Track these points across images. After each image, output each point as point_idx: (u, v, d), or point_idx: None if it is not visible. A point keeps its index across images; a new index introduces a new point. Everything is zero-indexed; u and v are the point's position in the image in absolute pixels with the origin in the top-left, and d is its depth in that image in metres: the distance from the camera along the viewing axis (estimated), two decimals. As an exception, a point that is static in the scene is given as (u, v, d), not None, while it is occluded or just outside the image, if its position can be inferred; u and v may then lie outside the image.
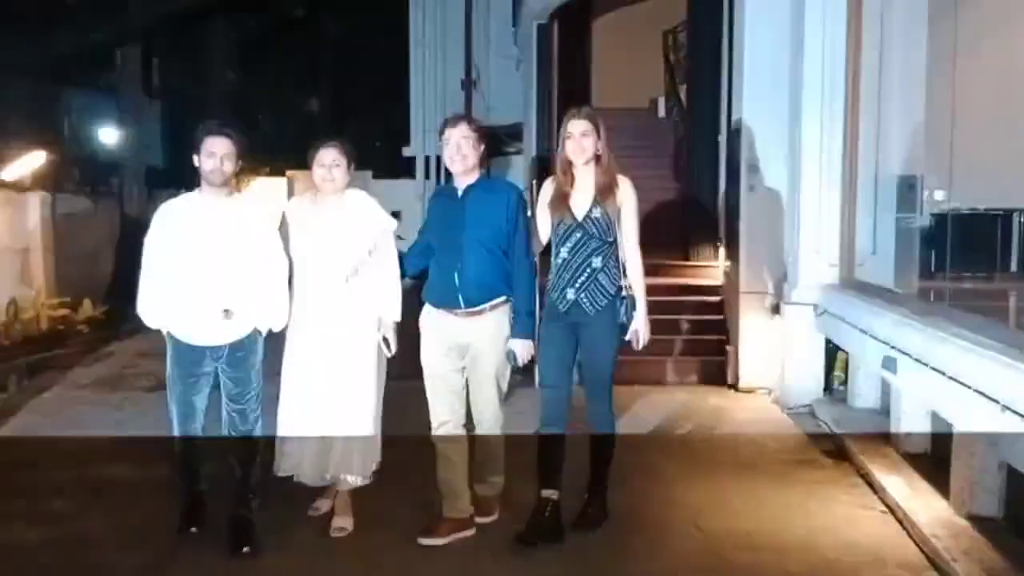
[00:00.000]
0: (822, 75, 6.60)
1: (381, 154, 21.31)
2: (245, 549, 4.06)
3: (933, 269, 7.04)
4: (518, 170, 12.84)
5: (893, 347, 5.00)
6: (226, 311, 4.06)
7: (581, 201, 4.18)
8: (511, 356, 4.16)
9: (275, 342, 4.33)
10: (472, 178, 4.20)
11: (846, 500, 4.84)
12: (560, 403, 4.22)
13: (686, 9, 10.35)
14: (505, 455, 4.41)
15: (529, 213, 4.35)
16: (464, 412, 4.31)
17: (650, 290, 8.03)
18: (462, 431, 4.28)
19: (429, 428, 4.28)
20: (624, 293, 4.21)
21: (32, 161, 11.18)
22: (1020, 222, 8.19)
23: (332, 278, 4.20)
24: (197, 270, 4.05)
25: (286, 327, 4.29)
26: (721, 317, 8.18)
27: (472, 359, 4.20)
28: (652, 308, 7.65)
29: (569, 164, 4.20)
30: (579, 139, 4.14)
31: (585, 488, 4.40)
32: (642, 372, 7.48)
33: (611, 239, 4.17)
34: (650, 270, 8.48)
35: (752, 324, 7.36)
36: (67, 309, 11.23)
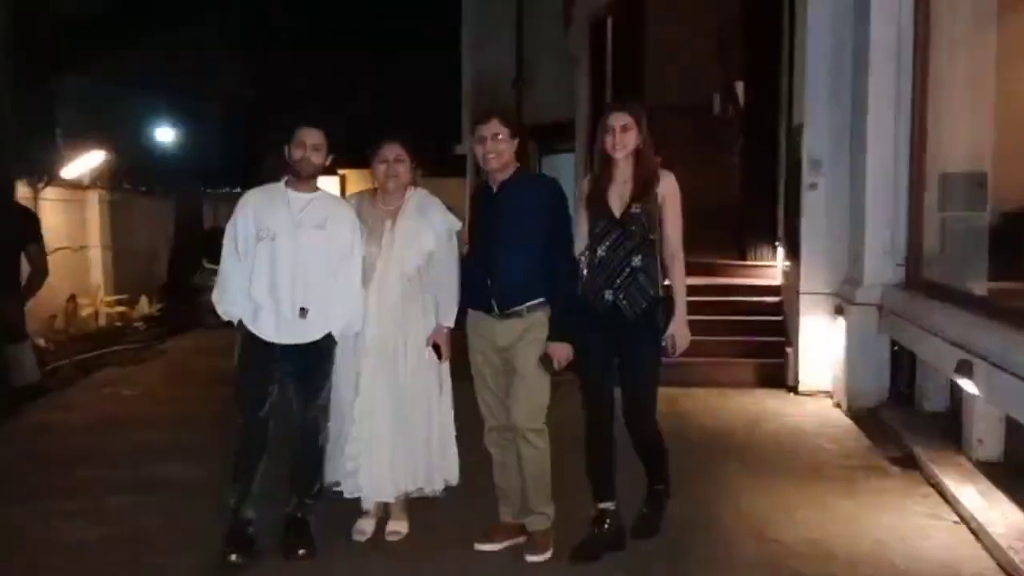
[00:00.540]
0: (888, 70, 6.41)
1: (432, 152, 21.37)
2: (301, 552, 4.00)
3: (1001, 269, 6.79)
4: (569, 168, 12.74)
5: (967, 350, 4.82)
6: (303, 309, 3.92)
7: (619, 197, 3.94)
8: (548, 362, 3.90)
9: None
10: (507, 174, 3.97)
11: (916, 509, 4.67)
12: (604, 411, 4.01)
13: (741, 4, 10.16)
14: (554, 473, 4.06)
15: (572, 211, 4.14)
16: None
17: (705, 290, 8.07)
18: (512, 435, 4.02)
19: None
20: (665, 295, 3.96)
21: (90, 160, 11.35)
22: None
23: (392, 282, 4.01)
24: (276, 263, 3.91)
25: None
26: (780, 318, 8.02)
27: (509, 363, 3.97)
28: (707, 308, 7.66)
29: (608, 159, 3.96)
30: (619, 133, 3.90)
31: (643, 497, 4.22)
32: (697, 374, 7.35)
33: (651, 237, 3.92)
34: (705, 270, 8.56)
35: (813, 325, 7.19)
36: (124, 306, 11.39)
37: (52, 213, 10.51)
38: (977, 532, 4.27)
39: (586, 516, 4.09)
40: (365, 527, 4.20)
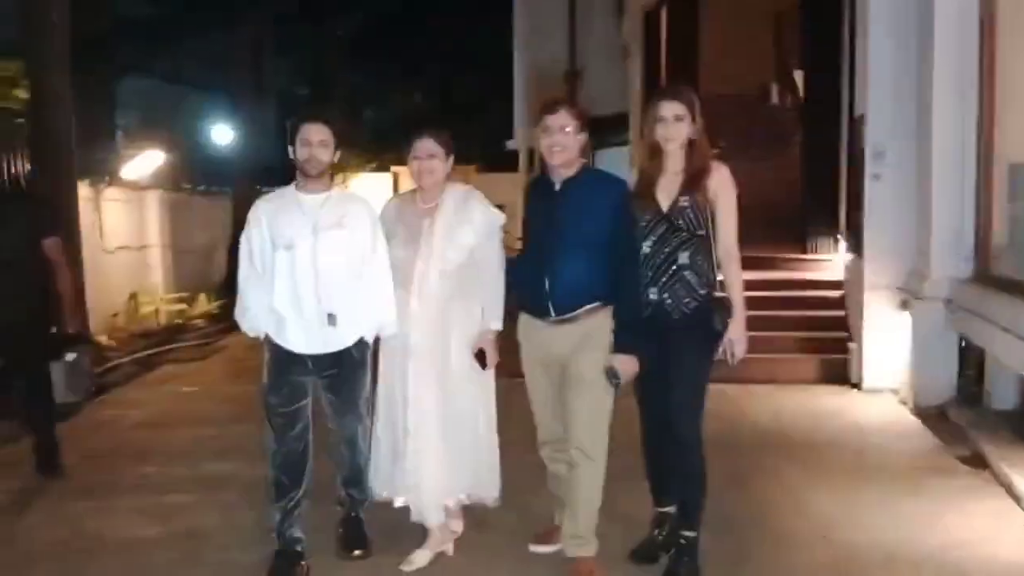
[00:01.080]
0: (954, 57, 6.21)
1: (485, 148, 21.36)
2: (356, 552, 3.94)
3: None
4: (622, 162, 12.64)
5: (1040, 347, 4.64)
6: (330, 316, 3.72)
7: (668, 190, 3.66)
8: (611, 375, 3.57)
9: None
10: (572, 170, 3.69)
11: (987, 512, 4.50)
12: (661, 424, 3.72)
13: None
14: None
15: None
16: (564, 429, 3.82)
17: (765, 285, 7.92)
18: (565, 447, 3.75)
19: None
20: (717, 294, 3.66)
21: (150, 160, 11.53)
22: None
23: (433, 282, 3.76)
24: (296, 271, 3.70)
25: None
26: (842, 313, 7.85)
27: (567, 372, 3.68)
28: (767, 303, 7.53)
29: (657, 149, 3.70)
30: (672, 123, 3.63)
31: (674, 533, 3.78)
32: (756, 371, 7.20)
33: (701, 232, 3.62)
34: (765, 264, 8.41)
35: (877, 320, 7.02)
36: (183, 304, 11.56)
37: (113, 213, 10.70)
38: (1051, 535, 4.11)
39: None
40: (416, 559, 3.92)
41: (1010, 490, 4.69)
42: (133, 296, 10.96)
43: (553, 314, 3.64)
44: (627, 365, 3.57)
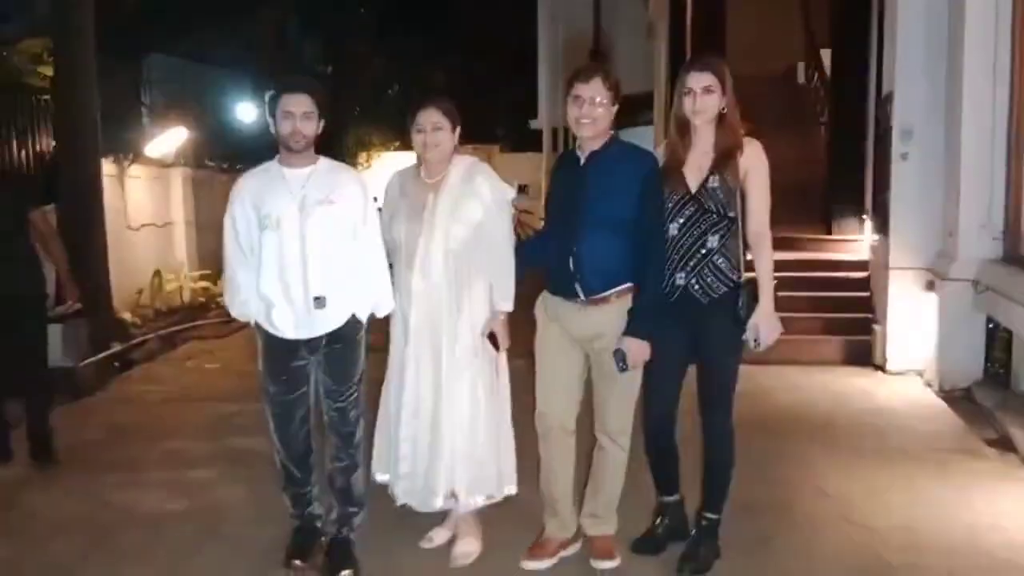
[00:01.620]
0: (985, 35, 6.09)
1: (508, 128, 21.30)
2: (344, 573, 3.57)
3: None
4: (647, 141, 12.56)
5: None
6: (317, 299, 3.48)
7: (697, 168, 3.46)
8: (619, 358, 3.39)
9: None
10: (599, 143, 3.47)
11: (1013, 494, 4.45)
12: (668, 417, 3.62)
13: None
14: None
15: None
16: (574, 417, 3.63)
17: (789, 265, 7.84)
18: (571, 439, 3.63)
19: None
20: (746, 276, 3.51)
21: (174, 138, 11.56)
22: None
23: (436, 259, 3.56)
24: (284, 253, 3.47)
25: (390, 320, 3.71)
26: (867, 294, 7.78)
27: (597, 356, 3.52)
28: (791, 284, 7.45)
29: (686, 124, 3.49)
30: (701, 96, 3.41)
31: (696, 515, 3.73)
32: (779, 352, 7.02)
33: (731, 214, 3.43)
34: (789, 244, 8.34)
35: (902, 301, 6.94)
36: (207, 281, 11.63)
37: (137, 190, 10.77)
38: (1080, 520, 4.06)
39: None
40: (436, 536, 3.87)
41: (1037, 473, 4.65)
42: (157, 273, 11.04)
43: (583, 296, 3.45)
44: (638, 350, 3.39)
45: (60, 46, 8.39)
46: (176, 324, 9.62)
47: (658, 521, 3.82)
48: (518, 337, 3.70)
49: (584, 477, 3.72)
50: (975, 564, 3.70)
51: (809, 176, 9.50)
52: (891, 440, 5.37)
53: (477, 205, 3.57)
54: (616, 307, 3.44)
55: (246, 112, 16.34)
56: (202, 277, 11.85)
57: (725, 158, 3.45)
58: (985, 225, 6.14)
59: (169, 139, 11.52)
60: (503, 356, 3.70)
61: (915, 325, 6.78)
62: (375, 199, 3.69)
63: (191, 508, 4.40)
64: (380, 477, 3.80)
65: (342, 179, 3.60)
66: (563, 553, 3.67)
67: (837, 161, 9.13)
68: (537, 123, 17.01)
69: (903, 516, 4.18)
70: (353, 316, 3.58)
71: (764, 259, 3.49)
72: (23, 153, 8.59)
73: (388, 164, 15.42)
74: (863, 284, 7.95)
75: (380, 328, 3.75)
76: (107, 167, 9.18)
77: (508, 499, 3.75)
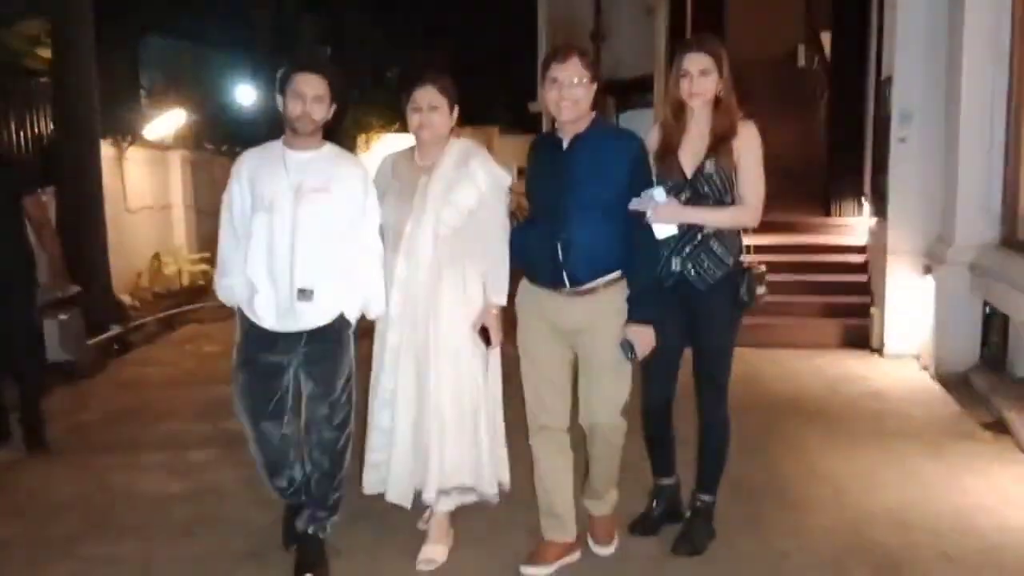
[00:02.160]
0: (985, 17, 6.07)
1: (507, 110, 21.21)
2: None
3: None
4: (647, 124, 12.53)
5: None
6: (302, 291, 3.26)
7: (692, 153, 3.42)
8: (627, 347, 3.29)
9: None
10: (582, 126, 3.32)
11: (1007, 477, 4.47)
12: (665, 398, 3.60)
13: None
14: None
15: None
16: (568, 414, 3.49)
17: (787, 249, 7.88)
18: (565, 437, 3.49)
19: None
20: (744, 259, 3.49)
21: (172, 120, 11.54)
22: None
23: (423, 243, 3.39)
24: (274, 237, 3.27)
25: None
26: (865, 278, 7.81)
27: (584, 348, 3.38)
28: (789, 267, 7.48)
29: (682, 107, 3.44)
30: (698, 78, 3.36)
31: (691, 496, 3.74)
32: (776, 335, 7.22)
33: (728, 199, 3.42)
34: (788, 228, 8.36)
35: (900, 285, 6.97)
36: (206, 264, 11.64)
37: (136, 173, 10.75)
38: (1072, 502, 4.09)
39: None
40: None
41: (1030, 456, 4.67)
42: (156, 256, 11.05)
43: (568, 285, 3.31)
44: (644, 337, 3.28)
45: (58, 28, 8.36)
46: (175, 307, 9.63)
47: (654, 503, 3.82)
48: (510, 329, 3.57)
49: (582, 477, 3.62)
50: (967, 546, 3.72)
51: (808, 159, 9.49)
52: (886, 423, 5.40)
53: (471, 190, 3.40)
54: (602, 298, 3.32)
55: (245, 94, 16.30)
56: (201, 260, 11.86)
57: (721, 142, 3.40)
58: (982, 209, 6.15)
59: (167, 121, 11.50)
60: (496, 351, 3.54)
61: (912, 309, 6.80)
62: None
63: (190, 489, 4.43)
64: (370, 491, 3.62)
65: (344, 169, 3.41)
66: (563, 560, 3.53)
67: (836, 144, 9.13)
68: (536, 106, 16.95)
69: (897, 498, 4.21)
70: (341, 315, 3.38)
71: (728, 210, 3.43)
72: (21, 135, 8.57)
73: (387, 146, 15.40)
74: (861, 268, 7.97)
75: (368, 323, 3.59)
76: (105, 149, 9.16)
77: (505, 502, 3.65)
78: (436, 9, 21.13)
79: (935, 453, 4.82)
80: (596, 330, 3.33)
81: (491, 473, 3.55)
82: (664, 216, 3.33)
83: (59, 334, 6.37)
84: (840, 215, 8.86)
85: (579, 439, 3.54)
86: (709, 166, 3.40)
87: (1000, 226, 6.11)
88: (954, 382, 6.12)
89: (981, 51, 6.08)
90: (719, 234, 3.43)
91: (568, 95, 3.26)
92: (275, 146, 3.40)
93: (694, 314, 3.48)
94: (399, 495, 3.53)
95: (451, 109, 3.45)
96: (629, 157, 3.32)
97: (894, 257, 7.01)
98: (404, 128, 3.57)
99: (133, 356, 7.61)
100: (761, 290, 3.50)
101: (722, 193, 3.41)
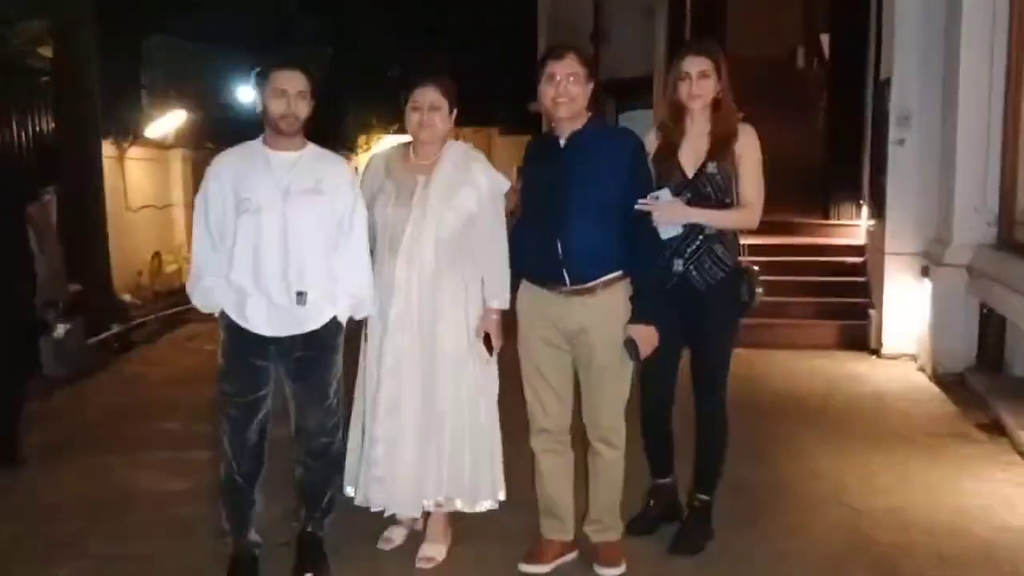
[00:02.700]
0: (982, 21, 6.11)
1: (507, 110, 21.20)
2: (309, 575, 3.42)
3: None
4: (647, 125, 12.54)
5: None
6: (300, 294, 3.21)
7: (693, 154, 3.43)
8: (630, 347, 3.29)
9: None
10: (578, 124, 3.32)
11: (1003, 478, 4.50)
12: (664, 402, 3.61)
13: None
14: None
15: None
16: (569, 416, 3.51)
17: (786, 250, 7.90)
18: (566, 438, 3.51)
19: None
20: (743, 260, 3.52)
21: (174, 119, 11.56)
22: None
23: (425, 248, 3.35)
24: (262, 240, 3.20)
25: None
26: (863, 279, 7.84)
27: (584, 349, 3.36)
28: (787, 268, 7.51)
29: (681, 109, 3.46)
30: (696, 80, 3.38)
31: (689, 496, 3.76)
32: (775, 336, 7.25)
33: (728, 200, 3.44)
34: (786, 229, 8.39)
35: (898, 286, 7.01)
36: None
37: (137, 172, 10.78)
38: (1067, 503, 4.12)
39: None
40: (394, 536, 3.70)
41: (1027, 457, 4.70)
42: (157, 255, 11.08)
43: (568, 283, 3.29)
44: (647, 337, 3.27)
45: (60, 27, 8.37)
46: (176, 305, 9.63)
47: (651, 503, 3.82)
48: (509, 331, 3.55)
49: (583, 480, 3.58)
50: (963, 545, 3.75)
51: (807, 161, 9.51)
52: (884, 424, 5.43)
53: (472, 194, 3.37)
54: (602, 299, 3.31)
55: (246, 94, 16.30)
56: (201, 259, 11.87)
57: (721, 144, 3.42)
58: (979, 210, 6.18)
59: (169, 120, 11.52)
60: (494, 357, 3.52)
61: (910, 310, 6.84)
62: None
63: (192, 487, 4.43)
64: (348, 490, 3.58)
65: (331, 169, 3.35)
66: (561, 559, 3.54)
67: (835, 146, 9.16)
68: (536, 106, 16.98)
69: (894, 498, 4.24)
70: (333, 318, 3.32)
71: (733, 212, 3.46)
72: (23, 134, 8.59)
73: (388, 147, 15.36)
74: (859, 269, 8.00)
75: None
76: (107, 148, 9.19)
77: (504, 503, 3.62)
78: (436, 10, 21.13)
79: (932, 454, 4.85)
80: (596, 331, 3.33)
81: (489, 483, 3.54)
82: (670, 215, 3.36)
83: (53, 349, 6.22)
84: (838, 216, 8.90)
85: (578, 438, 3.57)
86: (711, 167, 3.42)
87: (997, 227, 6.14)
88: (951, 383, 6.16)
89: (978, 54, 6.12)
90: (720, 235, 3.45)
91: (564, 92, 3.26)
92: (255, 147, 3.32)
93: (694, 315, 3.49)
94: (411, 507, 3.52)
95: (451, 110, 3.42)
96: (627, 155, 3.32)
97: (892, 258, 7.05)
98: (404, 129, 3.53)
99: (134, 355, 7.63)
100: (758, 291, 3.52)
101: (722, 192, 3.43)
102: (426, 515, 3.65)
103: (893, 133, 6.98)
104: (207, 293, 3.30)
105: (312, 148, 3.36)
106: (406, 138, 3.54)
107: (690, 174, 3.43)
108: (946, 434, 5.19)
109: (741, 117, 3.52)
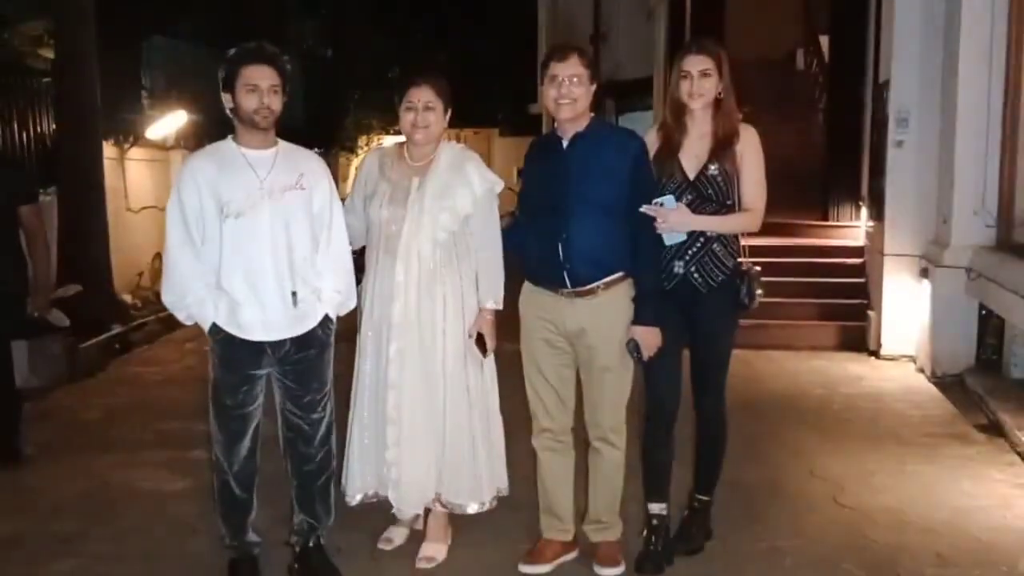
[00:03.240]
0: (982, 23, 6.12)
1: (507, 112, 21.23)
2: None
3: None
4: (647, 127, 12.56)
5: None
6: (293, 294, 3.16)
7: (694, 155, 3.40)
8: (633, 348, 3.31)
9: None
10: (581, 125, 3.33)
11: (1000, 478, 4.51)
12: (670, 405, 3.51)
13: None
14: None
15: None
16: (571, 416, 3.53)
17: (785, 251, 7.92)
18: (568, 438, 3.53)
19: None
20: (743, 262, 3.49)
21: (174, 121, 11.56)
22: None
23: (422, 249, 3.36)
24: (251, 242, 3.12)
25: (359, 321, 3.48)
26: (862, 280, 7.85)
27: (585, 350, 3.38)
28: (786, 269, 7.52)
29: (682, 109, 3.42)
30: (698, 79, 3.34)
31: (688, 497, 3.75)
32: (774, 337, 7.27)
33: (730, 201, 3.40)
34: (786, 230, 8.40)
35: (897, 288, 7.02)
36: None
37: (137, 173, 10.79)
38: (1065, 503, 4.13)
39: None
40: (394, 536, 3.71)
41: (1025, 457, 4.71)
42: (157, 256, 11.07)
43: (569, 285, 3.31)
44: (650, 338, 3.29)
45: (61, 28, 8.40)
46: (176, 306, 9.65)
47: (652, 540, 3.57)
48: (504, 324, 3.54)
49: (583, 480, 3.59)
50: (961, 546, 3.75)
51: (806, 162, 9.54)
52: (882, 424, 5.44)
53: (467, 195, 3.37)
54: (603, 300, 3.32)
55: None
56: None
57: (723, 144, 3.40)
58: (978, 212, 6.19)
59: (169, 122, 11.52)
60: (491, 356, 3.52)
61: (908, 311, 6.85)
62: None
63: (191, 487, 4.45)
64: (356, 497, 3.55)
65: (309, 163, 3.29)
66: (561, 559, 3.54)
67: (834, 147, 9.16)
68: (536, 107, 17.00)
69: (892, 498, 4.25)
70: (325, 316, 3.27)
71: (735, 217, 3.43)
72: (24, 135, 8.61)
73: (381, 147, 15.35)
74: (858, 270, 8.01)
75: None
76: (108, 149, 9.20)
77: (504, 503, 3.64)
78: (436, 11, 21.16)
79: (930, 455, 4.86)
80: (597, 332, 3.34)
81: (489, 482, 3.55)
82: (674, 223, 3.34)
83: (27, 358, 6.01)
84: (837, 218, 8.90)
85: (579, 438, 3.58)
86: (713, 168, 3.39)
87: (996, 229, 6.15)
88: (950, 384, 6.18)
89: (977, 55, 6.13)
90: (721, 237, 3.44)
91: (567, 93, 3.26)
92: (227, 147, 3.23)
93: (694, 316, 3.46)
94: (415, 505, 3.54)
95: (445, 110, 3.42)
96: (630, 155, 3.32)
97: (891, 260, 7.06)
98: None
99: (134, 355, 7.64)
100: (758, 292, 3.52)
101: (723, 193, 3.40)
102: (426, 515, 3.67)
103: (892, 135, 6.99)
104: (196, 305, 3.17)
105: (284, 144, 3.29)
106: (403, 139, 3.54)
107: (691, 175, 3.41)
108: (944, 435, 5.20)
109: (741, 117, 3.51)
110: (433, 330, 3.41)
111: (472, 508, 3.55)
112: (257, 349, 3.19)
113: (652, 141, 3.53)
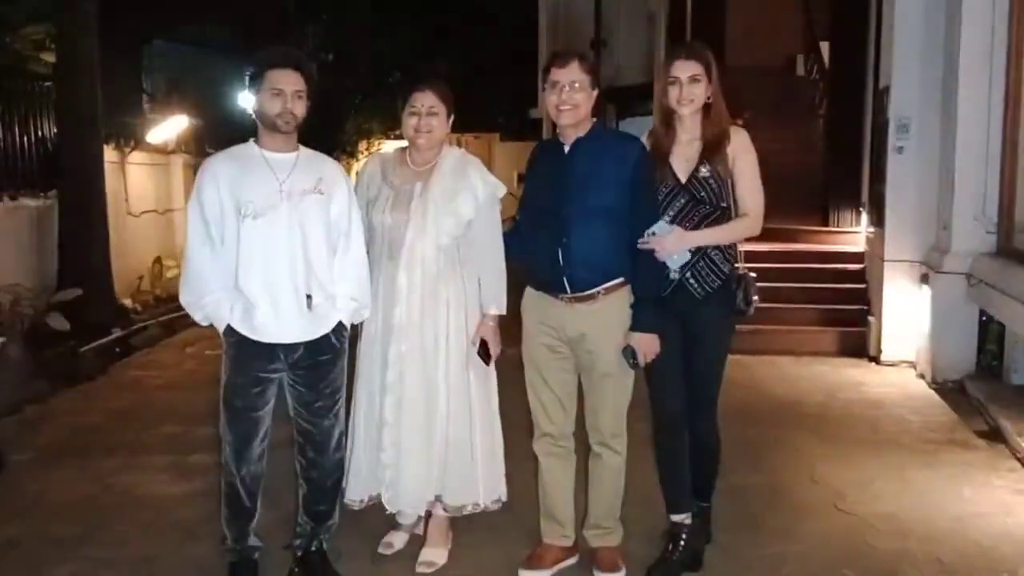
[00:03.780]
0: (982, 28, 6.13)
1: (508, 116, 21.25)
2: None
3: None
4: (648, 131, 12.56)
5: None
6: (308, 298, 3.17)
7: (685, 158, 3.37)
8: (629, 354, 3.30)
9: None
10: (582, 130, 3.33)
11: (1001, 484, 4.52)
12: (678, 412, 3.46)
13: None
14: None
15: None
16: (572, 421, 3.53)
17: (785, 256, 7.93)
18: (569, 443, 3.54)
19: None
20: (739, 267, 3.45)
21: (175, 125, 11.58)
22: None
23: (426, 254, 3.37)
24: (270, 244, 3.13)
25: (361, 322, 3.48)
26: (862, 286, 7.85)
27: (586, 356, 3.38)
28: (787, 275, 7.53)
29: (671, 114, 3.39)
30: (687, 85, 3.31)
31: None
32: (774, 342, 7.27)
33: (724, 204, 3.36)
34: (786, 235, 8.42)
35: (897, 294, 7.02)
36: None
37: (138, 177, 10.79)
38: (1066, 510, 4.13)
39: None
40: (394, 540, 3.71)
41: (1025, 464, 4.71)
42: (157, 260, 11.07)
43: (569, 290, 3.31)
44: (648, 345, 3.29)
45: (62, 33, 8.41)
46: (176, 310, 9.62)
47: (671, 548, 3.55)
48: (504, 329, 3.54)
49: (583, 482, 3.59)
50: (962, 551, 3.76)
51: (807, 167, 9.56)
52: (883, 430, 5.44)
53: (470, 200, 3.38)
54: (604, 306, 3.32)
55: (247, 99, 16.32)
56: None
57: (714, 147, 3.36)
58: (978, 218, 6.20)
59: (170, 126, 11.53)
60: (492, 363, 3.53)
61: (909, 317, 6.85)
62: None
63: (192, 491, 4.45)
64: (357, 500, 3.56)
65: (328, 169, 3.32)
66: (561, 564, 3.54)
67: (835, 153, 9.19)
68: (537, 112, 17.03)
69: (892, 504, 4.25)
70: (340, 323, 3.28)
71: (732, 226, 3.38)
72: (25, 139, 8.61)
73: (383, 152, 15.39)
74: (859, 276, 8.01)
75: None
76: (108, 153, 9.21)
77: (504, 507, 3.64)
78: (438, 16, 21.17)
79: (931, 461, 4.86)
80: (597, 338, 3.34)
81: (488, 486, 3.56)
82: (671, 247, 3.31)
83: (28, 363, 5.95)
84: (838, 223, 8.93)
85: (580, 443, 3.58)
86: (704, 170, 3.35)
87: (996, 235, 6.16)
88: (950, 390, 6.19)
89: (977, 61, 6.15)
90: (716, 243, 3.40)
91: (568, 99, 3.26)
92: (250, 149, 3.25)
93: (690, 322, 3.42)
94: (415, 507, 3.55)
95: (448, 115, 3.43)
96: (631, 161, 3.30)
97: (891, 265, 7.07)
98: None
99: (134, 359, 7.64)
100: (754, 297, 3.50)
101: (717, 196, 3.36)
102: (427, 520, 3.67)
103: (892, 140, 7.00)
104: (213, 306, 3.19)
105: (305, 150, 3.31)
106: (406, 143, 3.54)
107: (683, 178, 3.37)
108: (945, 441, 5.20)
109: (741, 124, 3.49)
110: (435, 335, 3.42)
111: (471, 509, 3.56)
112: (269, 351, 3.21)
113: (645, 144, 3.49)
